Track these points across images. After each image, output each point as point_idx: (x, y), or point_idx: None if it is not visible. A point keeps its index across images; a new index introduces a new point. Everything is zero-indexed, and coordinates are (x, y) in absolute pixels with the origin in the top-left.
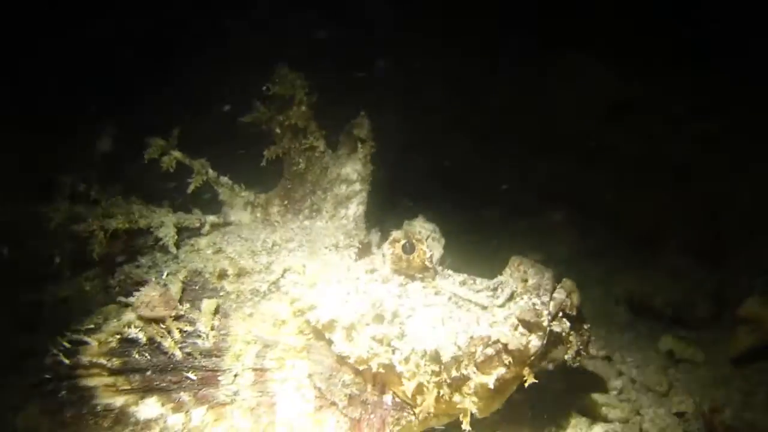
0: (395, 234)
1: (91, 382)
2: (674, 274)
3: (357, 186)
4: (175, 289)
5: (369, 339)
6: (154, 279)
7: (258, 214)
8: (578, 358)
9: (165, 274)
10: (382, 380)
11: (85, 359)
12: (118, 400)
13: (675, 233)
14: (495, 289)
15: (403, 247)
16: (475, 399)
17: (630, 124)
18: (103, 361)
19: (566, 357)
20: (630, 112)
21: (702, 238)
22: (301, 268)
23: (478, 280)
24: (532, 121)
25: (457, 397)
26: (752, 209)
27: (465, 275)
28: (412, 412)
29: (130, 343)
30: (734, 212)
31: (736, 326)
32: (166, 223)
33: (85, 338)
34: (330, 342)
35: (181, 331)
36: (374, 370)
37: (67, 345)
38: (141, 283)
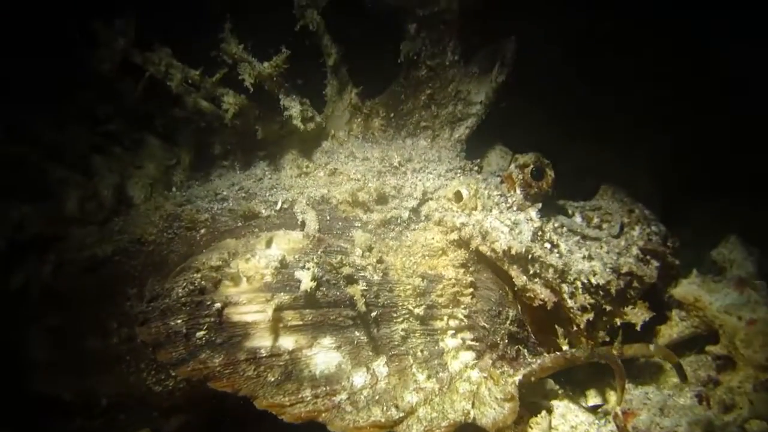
0: (523, 158)
1: (248, 317)
2: None
3: (474, 109)
4: (313, 224)
5: (548, 271)
6: (263, 211)
7: (355, 126)
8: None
9: (279, 202)
10: (540, 315)
11: (236, 296)
12: (287, 341)
13: None
14: (591, 218)
15: (532, 172)
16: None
17: None
18: (261, 296)
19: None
20: None
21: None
22: (450, 193)
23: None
24: None
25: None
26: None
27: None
28: (543, 349)
29: (291, 275)
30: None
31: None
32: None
33: (228, 271)
34: (505, 274)
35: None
36: (549, 304)
37: (200, 282)
38: (251, 216)
